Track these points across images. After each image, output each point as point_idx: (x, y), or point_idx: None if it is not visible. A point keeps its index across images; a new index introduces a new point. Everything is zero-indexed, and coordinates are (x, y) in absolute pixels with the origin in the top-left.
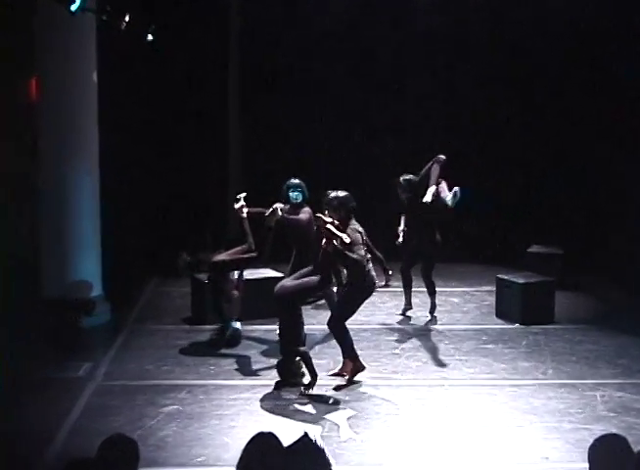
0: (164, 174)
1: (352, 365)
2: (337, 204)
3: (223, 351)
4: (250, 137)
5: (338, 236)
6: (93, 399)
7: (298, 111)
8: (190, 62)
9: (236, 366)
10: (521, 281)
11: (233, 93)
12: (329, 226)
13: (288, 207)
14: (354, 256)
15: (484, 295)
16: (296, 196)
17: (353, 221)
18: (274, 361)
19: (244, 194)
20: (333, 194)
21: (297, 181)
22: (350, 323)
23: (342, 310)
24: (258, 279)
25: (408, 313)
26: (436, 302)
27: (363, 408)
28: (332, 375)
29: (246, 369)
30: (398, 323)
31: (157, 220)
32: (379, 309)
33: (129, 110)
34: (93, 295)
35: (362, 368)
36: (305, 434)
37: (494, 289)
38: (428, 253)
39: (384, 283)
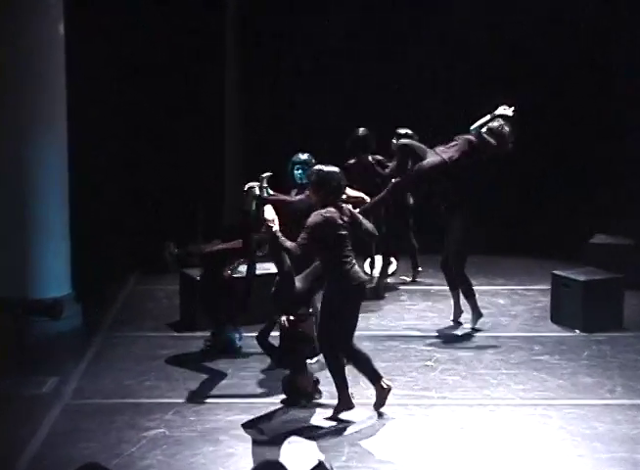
0: (146, 152)
1: (378, 389)
2: (315, 180)
3: (218, 362)
4: (249, 107)
5: (266, 220)
6: (60, 420)
7: (303, 88)
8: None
9: (234, 381)
10: (582, 278)
11: (229, 63)
12: (267, 207)
13: (296, 190)
14: (287, 244)
15: (537, 295)
16: (300, 175)
17: (344, 206)
18: (280, 375)
19: (268, 174)
20: (316, 168)
21: (304, 157)
22: (373, 329)
23: (327, 326)
24: (259, 275)
25: (460, 319)
26: (474, 303)
27: (389, 433)
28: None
29: (246, 385)
30: (432, 329)
31: (137, 206)
32: (408, 312)
33: (104, 76)
34: (60, 295)
35: (388, 389)
36: (320, 464)
37: (549, 288)
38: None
39: (410, 279)
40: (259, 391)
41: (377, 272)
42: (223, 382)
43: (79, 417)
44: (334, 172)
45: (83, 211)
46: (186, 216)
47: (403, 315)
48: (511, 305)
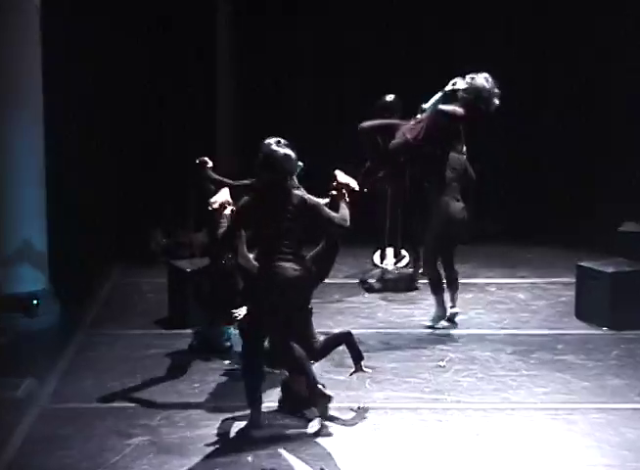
0: (132, 128)
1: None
2: (259, 162)
3: (210, 363)
4: (242, 85)
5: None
6: (36, 427)
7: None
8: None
9: (228, 384)
10: (610, 270)
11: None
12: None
13: None
14: (221, 229)
15: (561, 289)
16: None
17: (295, 193)
18: (279, 377)
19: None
20: (267, 147)
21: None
22: (380, 326)
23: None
24: None
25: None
26: (440, 300)
27: (399, 440)
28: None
29: (241, 388)
30: (444, 327)
31: (121, 191)
32: (418, 308)
33: (84, 57)
34: (36, 288)
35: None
36: None
37: (574, 281)
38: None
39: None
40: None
41: (387, 264)
42: (216, 384)
43: (57, 423)
44: (284, 156)
45: (62, 199)
46: (175, 202)
47: (413, 311)
48: (532, 299)
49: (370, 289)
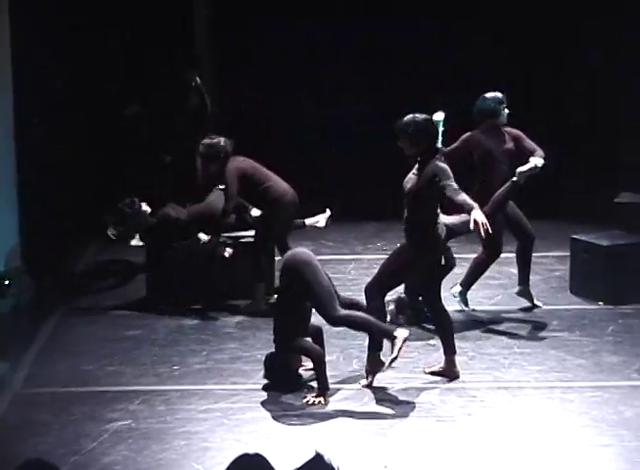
0: (109, 93)
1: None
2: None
3: (191, 344)
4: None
5: None
6: (10, 413)
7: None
8: None
9: (208, 365)
10: (605, 243)
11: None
12: None
13: None
14: None
15: (554, 262)
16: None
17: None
18: (261, 357)
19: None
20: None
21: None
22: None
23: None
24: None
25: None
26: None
27: (388, 420)
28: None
29: (222, 369)
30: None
31: (96, 164)
32: None
33: (57, 34)
34: (7, 268)
35: None
36: (317, 455)
37: (568, 254)
38: None
39: None
40: (237, 375)
41: None
42: (196, 366)
43: (31, 408)
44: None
45: (33, 172)
46: (154, 176)
47: (401, 287)
48: None
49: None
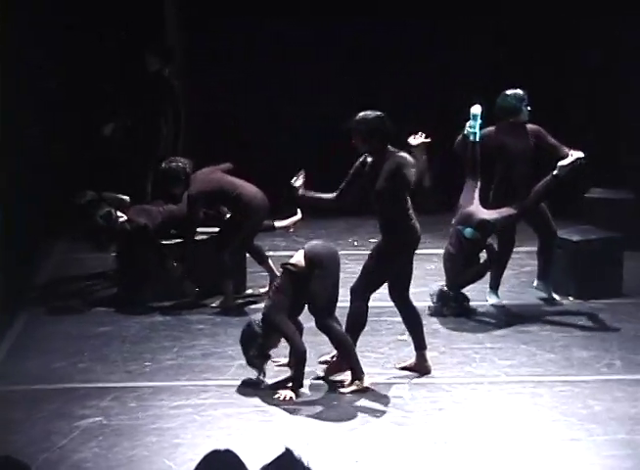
0: (103, 93)
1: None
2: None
3: (162, 341)
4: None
5: None
6: None
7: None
8: None
9: (180, 361)
10: (575, 238)
11: None
12: None
13: None
14: None
15: (524, 257)
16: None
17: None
18: (234, 353)
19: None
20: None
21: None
22: (340, 300)
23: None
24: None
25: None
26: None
27: (359, 416)
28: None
29: (194, 365)
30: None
31: (69, 155)
32: None
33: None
34: None
35: None
36: (287, 451)
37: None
38: None
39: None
40: (208, 372)
41: None
42: (168, 362)
43: (1, 406)
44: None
45: (27, 172)
46: (133, 170)
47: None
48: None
49: None
